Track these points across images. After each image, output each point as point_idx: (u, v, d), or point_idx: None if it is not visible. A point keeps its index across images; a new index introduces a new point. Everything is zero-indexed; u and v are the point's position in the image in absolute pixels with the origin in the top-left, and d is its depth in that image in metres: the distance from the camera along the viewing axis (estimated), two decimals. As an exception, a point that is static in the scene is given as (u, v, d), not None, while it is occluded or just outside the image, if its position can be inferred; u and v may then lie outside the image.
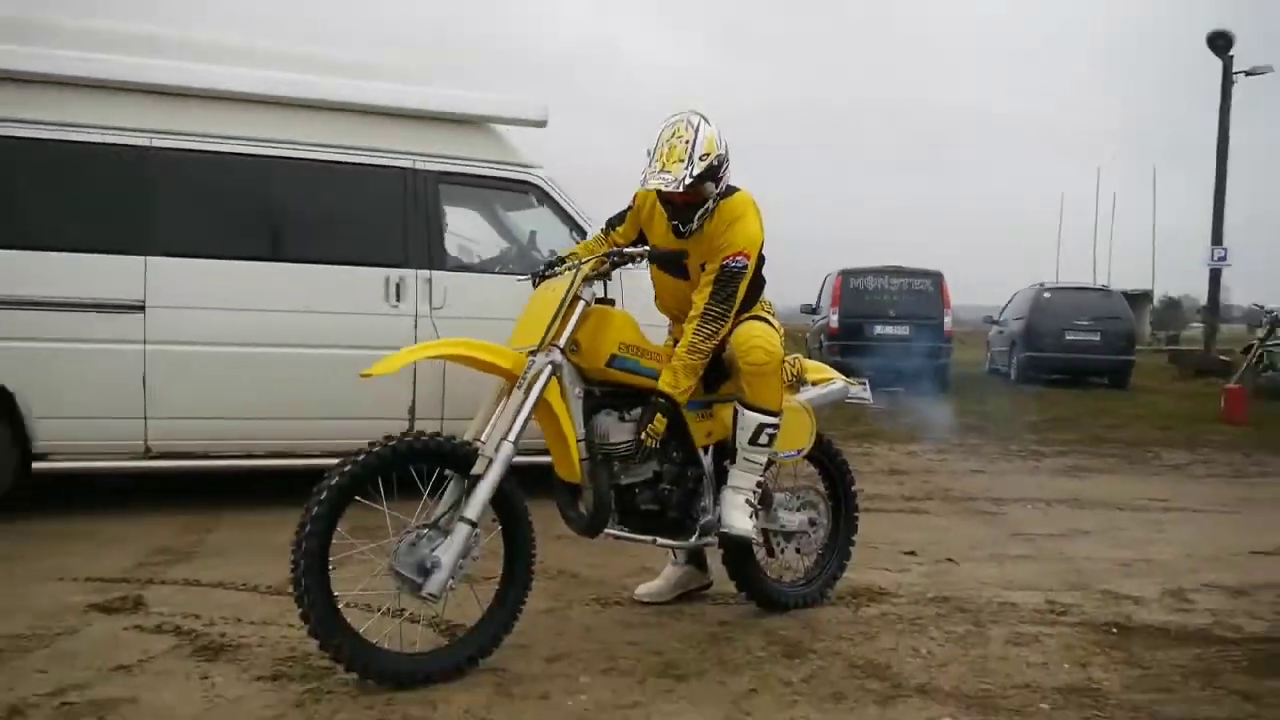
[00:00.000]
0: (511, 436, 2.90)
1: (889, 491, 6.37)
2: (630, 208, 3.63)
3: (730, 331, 3.35)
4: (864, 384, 14.85)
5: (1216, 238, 19.19)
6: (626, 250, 3.23)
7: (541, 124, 5.74)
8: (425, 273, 5.28)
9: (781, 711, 2.71)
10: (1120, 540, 5.18)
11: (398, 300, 5.21)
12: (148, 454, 4.90)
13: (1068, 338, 15.63)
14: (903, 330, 14.25)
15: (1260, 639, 3.51)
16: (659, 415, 3.17)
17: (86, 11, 5.44)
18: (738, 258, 3.27)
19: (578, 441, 3.12)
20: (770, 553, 3.63)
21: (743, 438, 3.33)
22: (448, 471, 2.97)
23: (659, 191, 3.23)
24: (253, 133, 5.09)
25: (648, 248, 3.31)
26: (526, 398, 2.96)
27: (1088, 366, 15.92)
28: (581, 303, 3.12)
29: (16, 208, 4.74)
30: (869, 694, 2.85)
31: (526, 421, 2.94)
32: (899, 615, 3.66)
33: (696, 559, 3.78)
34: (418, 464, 2.90)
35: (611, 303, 3.33)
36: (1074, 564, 4.61)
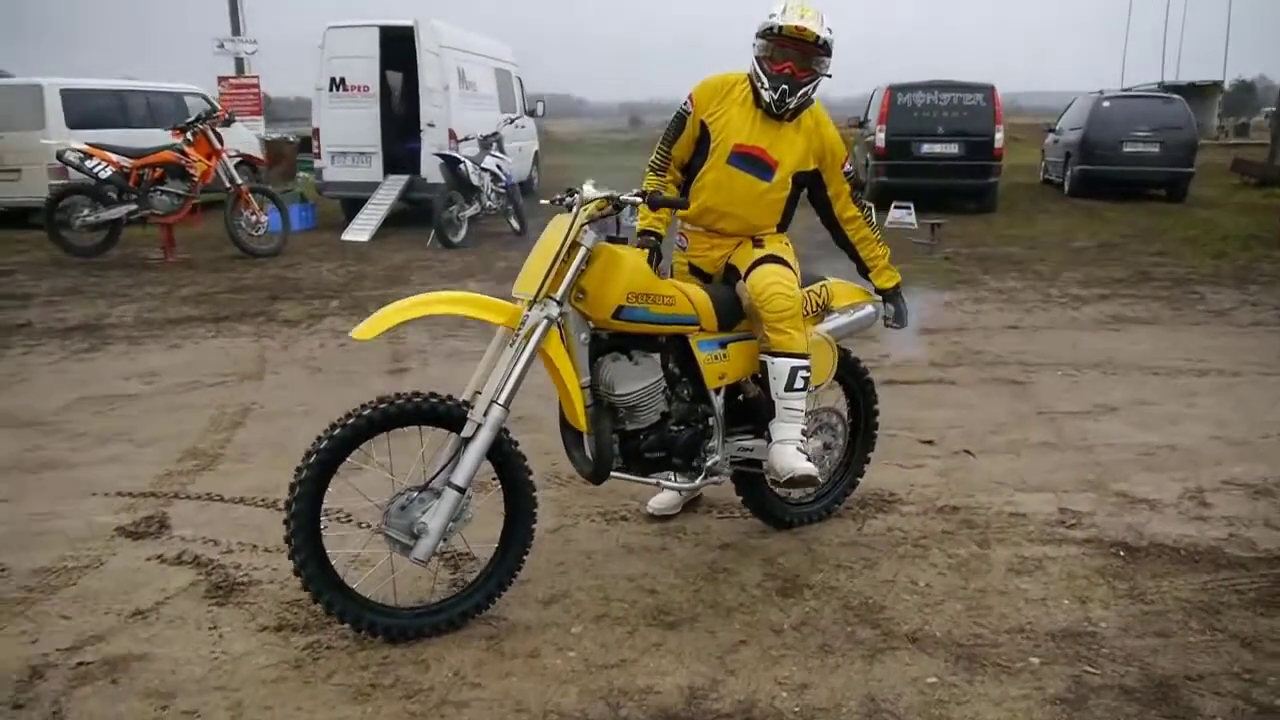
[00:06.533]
0: (502, 399, 2.82)
1: (917, 356, 6.25)
2: (684, 113, 3.41)
3: (745, 277, 3.31)
4: (908, 208, 14.43)
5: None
6: (624, 198, 3.00)
7: None
8: None
9: (767, 669, 2.75)
10: (1147, 419, 5.06)
11: None
12: None
13: (1125, 150, 14.90)
14: (951, 149, 13.65)
15: (1273, 559, 3.46)
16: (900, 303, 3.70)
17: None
18: (847, 165, 3.50)
19: (582, 389, 3.00)
20: None
21: (777, 386, 3.24)
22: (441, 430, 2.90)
23: (792, 35, 3.14)
24: None
25: (647, 192, 3.11)
26: (519, 356, 2.85)
27: (1144, 179, 15.24)
28: (583, 249, 2.93)
29: None
30: (858, 646, 2.87)
31: (519, 382, 2.85)
32: (904, 533, 3.66)
33: None
34: (406, 426, 2.84)
35: (624, 241, 3.11)
36: (1094, 454, 4.53)
